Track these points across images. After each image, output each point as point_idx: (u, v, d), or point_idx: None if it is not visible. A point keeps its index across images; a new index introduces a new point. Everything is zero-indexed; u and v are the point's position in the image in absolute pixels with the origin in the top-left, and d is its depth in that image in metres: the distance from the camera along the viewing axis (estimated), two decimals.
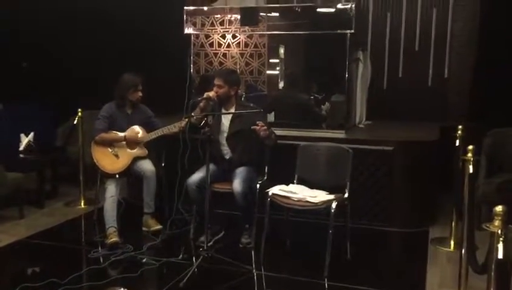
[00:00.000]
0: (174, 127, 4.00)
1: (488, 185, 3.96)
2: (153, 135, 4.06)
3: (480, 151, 4.00)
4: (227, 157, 3.84)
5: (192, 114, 3.78)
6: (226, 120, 3.83)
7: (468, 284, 2.87)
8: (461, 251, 2.83)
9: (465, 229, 2.69)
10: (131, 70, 4.13)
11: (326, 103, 4.63)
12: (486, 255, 2.12)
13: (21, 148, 4.76)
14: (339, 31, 4.30)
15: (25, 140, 4.77)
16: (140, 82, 4.07)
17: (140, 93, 4.08)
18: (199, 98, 3.75)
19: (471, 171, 2.71)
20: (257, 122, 3.56)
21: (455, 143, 3.73)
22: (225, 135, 3.81)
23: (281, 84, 4.85)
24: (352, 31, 4.26)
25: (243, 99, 4.43)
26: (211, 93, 3.74)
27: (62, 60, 5.83)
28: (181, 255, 3.53)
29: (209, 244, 3.53)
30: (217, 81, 3.77)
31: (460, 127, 3.71)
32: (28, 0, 5.65)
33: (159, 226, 4.03)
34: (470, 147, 2.77)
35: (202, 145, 3.72)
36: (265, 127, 3.55)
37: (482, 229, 2.20)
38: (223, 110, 3.84)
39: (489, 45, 5.09)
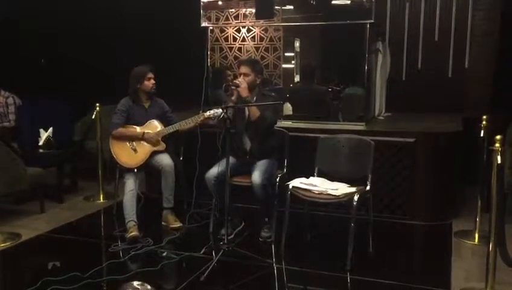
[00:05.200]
0: (190, 122, 3.97)
1: None
2: (170, 129, 4.04)
3: (504, 142, 3.91)
4: (247, 148, 3.80)
5: (223, 106, 3.71)
6: (246, 110, 3.77)
7: (495, 278, 2.79)
8: (488, 244, 2.75)
9: (493, 221, 2.62)
10: (145, 63, 4.11)
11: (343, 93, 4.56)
12: None
13: (40, 143, 4.78)
14: (358, 22, 4.23)
15: (44, 135, 4.80)
16: (148, 71, 4.03)
17: (152, 82, 4.04)
18: (230, 83, 3.67)
19: (499, 161, 2.63)
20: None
21: (479, 134, 3.65)
22: (245, 124, 3.75)
23: (297, 78, 4.80)
24: (372, 21, 4.19)
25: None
26: (239, 81, 3.67)
27: (80, 55, 5.86)
28: (203, 250, 3.51)
29: (230, 237, 3.53)
30: (243, 70, 3.69)
31: (485, 117, 3.62)
32: None
33: (178, 224, 4.01)
34: (498, 136, 2.70)
35: (221, 138, 3.68)
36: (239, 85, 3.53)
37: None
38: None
39: (511, 34, 4.97)
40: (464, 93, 5.34)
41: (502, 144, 2.75)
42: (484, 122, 3.63)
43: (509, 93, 4.77)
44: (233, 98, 3.64)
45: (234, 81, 3.69)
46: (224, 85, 3.67)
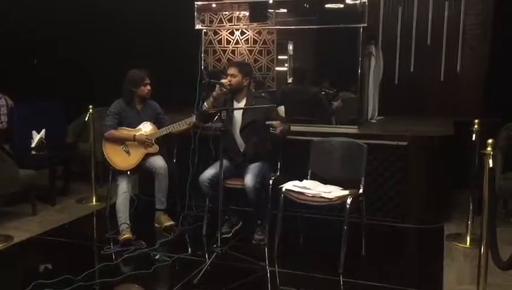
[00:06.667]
0: (183, 124, 3.98)
1: (504, 180, 3.91)
2: (163, 131, 4.04)
3: (495, 146, 3.95)
4: (241, 150, 3.81)
5: (205, 104, 3.75)
6: (238, 112, 3.79)
7: (487, 281, 2.81)
8: (480, 247, 2.78)
9: (484, 224, 2.64)
10: (139, 66, 4.11)
11: (339, 100, 4.58)
12: None
13: (33, 145, 4.77)
14: (351, 25, 4.25)
15: (36, 137, 4.78)
16: (147, 76, 4.04)
17: (148, 87, 4.05)
18: (212, 81, 3.70)
19: (490, 165, 2.66)
20: (272, 122, 3.54)
21: (471, 138, 3.68)
22: (238, 127, 3.78)
23: (290, 80, 4.81)
24: (365, 25, 4.21)
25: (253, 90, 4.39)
26: (225, 81, 3.72)
27: (73, 57, 5.84)
28: (196, 253, 3.51)
29: (228, 235, 3.60)
30: (230, 70, 3.75)
31: (476, 121, 3.65)
32: None
33: (171, 222, 4.00)
34: (490, 140, 2.72)
35: (214, 140, 3.69)
36: (281, 127, 3.54)
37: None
38: (235, 102, 3.82)
39: (502, 38, 5.02)
40: (456, 97, 5.38)
41: (494, 148, 2.78)
42: (476, 126, 3.66)
43: (501, 97, 4.81)
44: (214, 93, 3.70)
45: (220, 81, 3.71)
46: (203, 82, 3.70)
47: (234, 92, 3.77)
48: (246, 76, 3.78)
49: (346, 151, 3.65)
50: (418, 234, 4.10)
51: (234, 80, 3.72)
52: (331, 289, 3.13)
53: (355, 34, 4.26)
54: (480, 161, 3.35)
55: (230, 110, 3.64)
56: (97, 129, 4.63)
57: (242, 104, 3.79)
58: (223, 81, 3.71)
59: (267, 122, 3.57)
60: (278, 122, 3.55)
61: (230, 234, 3.78)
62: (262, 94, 3.90)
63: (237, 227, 3.93)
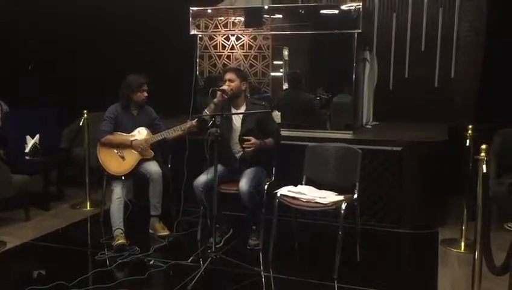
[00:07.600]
0: (178, 130, 3.98)
1: (498, 185, 3.92)
2: (158, 137, 4.03)
3: (489, 151, 3.97)
4: (237, 156, 3.81)
5: (206, 111, 3.76)
6: (237, 118, 3.80)
7: (481, 286, 2.82)
8: (474, 252, 2.78)
9: (478, 229, 2.65)
10: (137, 71, 4.11)
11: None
12: (507, 255, 2.07)
13: (27, 150, 4.73)
14: (346, 31, 4.28)
15: (30, 142, 4.75)
16: (145, 82, 4.04)
17: (145, 94, 4.06)
18: (216, 88, 3.72)
19: (484, 170, 2.67)
20: (250, 138, 3.59)
21: (465, 143, 3.69)
22: (237, 133, 3.77)
23: (286, 86, 4.83)
24: (360, 30, 4.24)
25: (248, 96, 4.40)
26: (225, 87, 3.72)
27: (68, 62, 5.83)
28: (190, 259, 3.49)
29: (219, 245, 3.55)
30: (228, 76, 3.75)
31: (470, 127, 3.67)
32: (34, 3, 5.65)
33: (166, 232, 3.99)
34: (483, 146, 2.74)
35: (209, 145, 3.69)
36: (252, 148, 3.60)
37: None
38: (233, 109, 3.82)
39: (496, 44, 5.06)
40: (450, 102, 5.41)
41: (487, 154, 2.79)
42: (470, 132, 3.69)
43: (495, 103, 4.84)
44: (215, 100, 3.70)
45: (221, 87, 3.72)
46: (211, 89, 3.72)
47: (232, 98, 3.77)
48: (243, 80, 3.79)
49: (341, 157, 3.65)
50: (412, 239, 4.11)
51: (233, 85, 3.72)
52: None
53: (349, 40, 4.28)
54: (474, 166, 3.36)
55: (225, 115, 3.63)
56: (92, 134, 4.61)
57: (241, 110, 3.79)
58: (224, 87, 3.71)
59: (243, 137, 3.63)
60: (254, 141, 3.60)
61: (222, 243, 3.76)
62: (263, 103, 3.90)
63: (227, 235, 3.91)
